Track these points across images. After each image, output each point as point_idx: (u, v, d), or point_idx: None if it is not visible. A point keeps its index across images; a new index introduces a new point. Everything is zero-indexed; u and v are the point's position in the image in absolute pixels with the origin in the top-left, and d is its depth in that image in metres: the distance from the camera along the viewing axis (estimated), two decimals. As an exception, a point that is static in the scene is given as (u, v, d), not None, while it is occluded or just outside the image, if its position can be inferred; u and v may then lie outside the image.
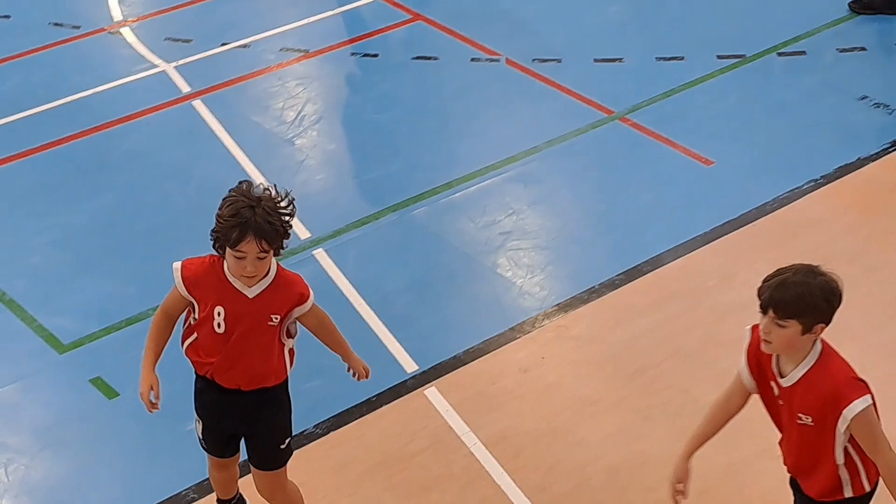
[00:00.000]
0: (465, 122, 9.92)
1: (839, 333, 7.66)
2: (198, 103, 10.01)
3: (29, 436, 7.06)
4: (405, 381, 7.40)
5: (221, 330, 5.40)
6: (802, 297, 4.88)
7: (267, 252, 5.21)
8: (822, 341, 5.09)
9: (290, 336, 5.63)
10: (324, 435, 6.97)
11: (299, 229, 8.61)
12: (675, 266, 8.35)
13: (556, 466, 6.86)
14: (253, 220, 5.12)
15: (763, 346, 5.07)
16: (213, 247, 5.30)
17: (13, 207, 8.89)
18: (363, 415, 7.11)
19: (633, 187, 9.16)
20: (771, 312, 4.94)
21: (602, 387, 7.41)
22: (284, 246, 5.34)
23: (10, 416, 7.18)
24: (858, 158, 9.34)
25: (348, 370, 5.93)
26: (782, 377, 5.12)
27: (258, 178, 9.11)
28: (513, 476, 6.77)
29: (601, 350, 7.69)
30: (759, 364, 5.25)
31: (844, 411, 4.95)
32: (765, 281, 5.00)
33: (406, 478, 6.75)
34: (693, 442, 5.52)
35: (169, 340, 5.67)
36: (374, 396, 7.27)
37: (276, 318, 5.44)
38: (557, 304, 8.03)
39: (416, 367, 7.50)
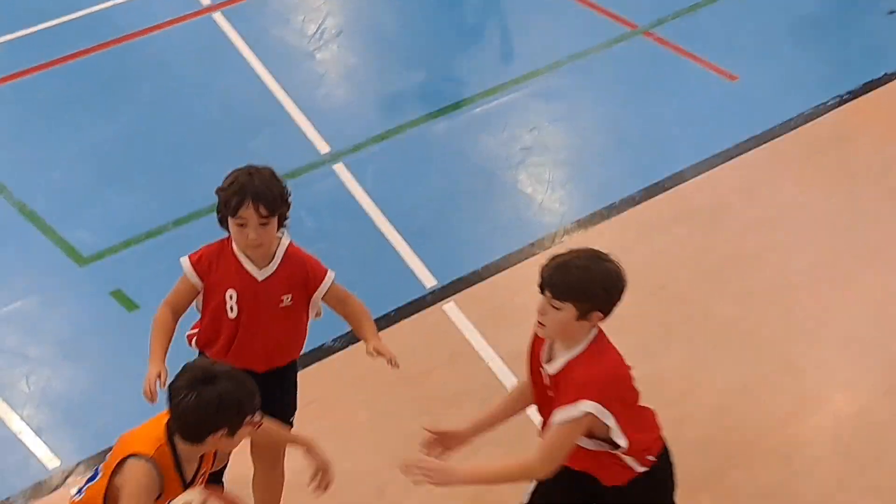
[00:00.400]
0: (487, 37, 9.85)
1: (859, 250, 7.70)
2: (218, 16, 9.96)
3: (50, 347, 7.10)
4: (424, 295, 7.40)
5: (234, 314, 5.31)
6: (581, 281, 4.61)
7: (267, 218, 5.11)
8: (600, 334, 4.78)
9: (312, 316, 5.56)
10: (342, 349, 6.98)
11: (319, 144, 8.59)
12: (696, 182, 8.30)
13: (574, 382, 6.86)
14: (251, 184, 5.09)
15: (537, 329, 4.76)
16: (219, 223, 5.25)
17: (33, 120, 8.88)
18: (382, 329, 7.08)
19: (655, 103, 9.09)
20: (548, 293, 4.63)
21: (621, 303, 7.37)
22: (288, 216, 5.26)
23: (31, 328, 7.22)
24: (885, 74, 9.25)
25: (371, 353, 5.44)
26: (559, 361, 4.76)
27: (279, 93, 9.09)
28: (531, 391, 6.77)
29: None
30: (533, 350, 4.92)
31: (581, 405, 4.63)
32: (549, 260, 4.72)
33: (424, 392, 6.77)
34: (485, 422, 5.12)
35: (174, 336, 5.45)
36: (392, 311, 7.28)
37: (289, 299, 5.34)
38: (577, 220, 8.01)
39: (436, 282, 7.49)
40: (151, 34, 9.76)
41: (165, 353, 5.32)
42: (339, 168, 8.38)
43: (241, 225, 5.11)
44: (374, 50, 9.85)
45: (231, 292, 5.29)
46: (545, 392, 4.87)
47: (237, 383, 4.49)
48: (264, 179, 5.14)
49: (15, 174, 8.32)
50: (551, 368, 4.77)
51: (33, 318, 7.29)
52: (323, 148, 8.56)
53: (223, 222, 5.22)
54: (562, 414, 4.64)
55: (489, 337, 7.11)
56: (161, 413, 4.67)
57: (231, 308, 5.30)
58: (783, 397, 6.77)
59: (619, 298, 4.71)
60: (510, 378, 6.83)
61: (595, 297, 4.64)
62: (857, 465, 6.41)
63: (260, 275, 5.27)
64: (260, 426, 4.71)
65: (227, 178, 5.19)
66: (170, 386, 4.53)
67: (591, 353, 4.73)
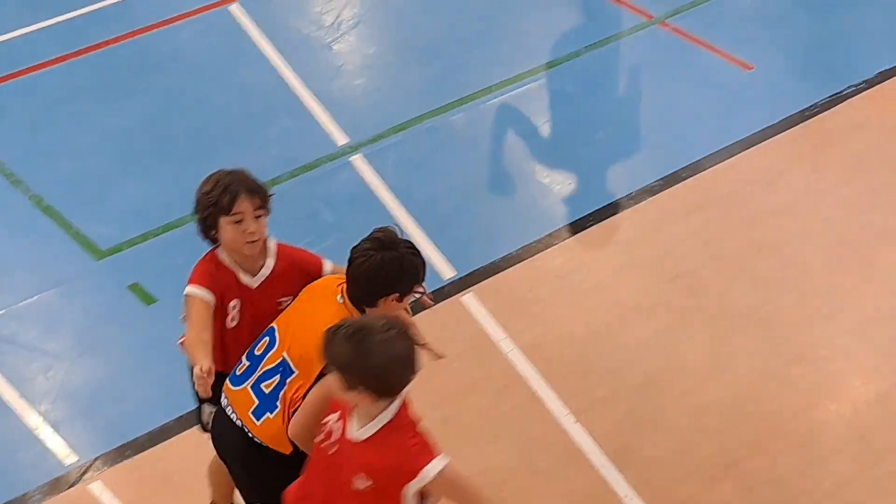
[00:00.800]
0: (505, 28, 9.82)
1: (877, 237, 7.68)
2: (235, 7, 9.96)
3: (67, 341, 7.12)
4: (442, 286, 7.38)
5: (234, 323, 5.24)
6: (333, 356, 4.33)
7: (261, 209, 5.07)
8: (404, 401, 4.51)
9: None
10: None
11: (337, 135, 8.59)
12: (713, 172, 8.28)
13: (591, 372, 6.86)
14: (238, 179, 5.06)
15: None
16: (205, 233, 5.14)
17: (52, 112, 8.89)
18: (400, 320, 7.11)
19: (672, 93, 9.07)
20: None
21: (639, 292, 7.39)
22: (270, 209, 5.16)
23: (48, 322, 7.23)
24: (899, 63, 9.27)
25: None
26: (357, 428, 4.47)
27: (296, 84, 9.10)
28: (549, 381, 6.77)
29: (639, 256, 7.66)
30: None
31: (420, 474, 4.37)
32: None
33: (442, 383, 6.75)
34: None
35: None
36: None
37: (287, 300, 5.22)
38: (596, 210, 7.99)
39: (454, 273, 7.49)
40: (168, 26, 9.78)
41: (209, 354, 5.00)
42: (357, 159, 8.38)
43: (238, 222, 5.04)
44: (392, 40, 9.85)
45: (235, 302, 5.21)
46: (326, 452, 4.56)
47: (416, 252, 4.82)
48: (247, 174, 5.11)
49: (31, 167, 8.33)
50: (354, 435, 4.46)
51: (51, 313, 7.30)
52: (341, 139, 8.56)
53: (210, 229, 5.10)
54: (424, 476, 4.39)
55: (508, 328, 7.11)
56: (318, 292, 4.96)
57: (233, 318, 5.22)
58: (802, 384, 6.75)
59: (395, 378, 4.34)
60: (528, 368, 6.84)
61: (354, 374, 4.31)
62: (876, 453, 6.39)
63: (254, 282, 5.20)
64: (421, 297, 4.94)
65: (204, 183, 5.10)
66: (353, 249, 4.81)
67: (399, 424, 4.45)
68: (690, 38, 9.55)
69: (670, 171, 8.27)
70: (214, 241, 5.16)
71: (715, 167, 8.31)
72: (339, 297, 4.89)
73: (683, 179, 8.21)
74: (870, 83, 9.02)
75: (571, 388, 6.75)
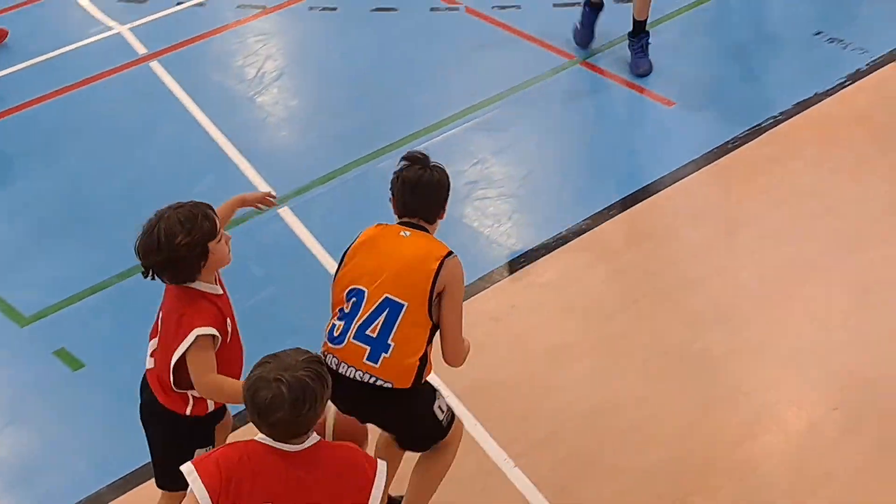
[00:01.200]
0: (427, 73, 9.85)
1: (802, 267, 7.74)
2: (155, 64, 9.91)
3: (-7, 412, 6.99)
4: (375, 335, 7.34)
5: (229, 338, 5.28)
6: None
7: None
8: None
9: None
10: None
11: (263, 188, 8.54)
12: (641, 208, 8.31)
13: (530, 415, 6.84)
14: (196, 206, 5.20)
15: None
16: (194, 269, 5.12)
17: (-32, 179, 8.81)
18: (333, 372, 7.05)
19: (596, 131, 9.13)
20: None
21: (574, 332, 7.39)
22: None
23: (-28, 394, 7.10)
24: (815, 94, 9.34)
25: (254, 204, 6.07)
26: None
27: (220, 139, 9.05)
28: (487, 427, 6.73)
29: (571, 296, 7.66)
30: None
31: None
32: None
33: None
34: None
35: None
36: (343, 353, 7.22)
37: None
38: (526, 252, 7.99)
39: (387, 321, 7.44)
40: (87, 86, 9.70)
41: None
42: (285, 212, 8.33)
43: (220, 239, 5.18)
44: (315, 91, 9.84)
45: (228, 321, 5.27)
46: None
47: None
48: (189, 201, 5.25)
49: (-49, 237, 8.23)
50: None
51: (-25, 384, 7.17)
52: (266, 193, 8.52)
53: (200, 261, 5.12)
54: None
55: (443, 374, 7.02)
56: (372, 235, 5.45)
57: (231, 333, 5.27)
58: (736, 417, 6.76)
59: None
60: (465, 414, 6.80)
61: None
62: (809, 484, 6.39)
63: (219, 289, 5.28)
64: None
65: (171, 234, 5.08)
66: (406, 172, 5.54)
67: None
68: (611, 76, 9.61)
69: (598, 210, 8.29)
70: (194, 277, 5.16)
71: (640, 204, 8.34)
72: (402, 233, 5.44)
73: (611, 217, 8.23)
74: (787, 114, 9.12)
75: (510, 432, 6.72)
